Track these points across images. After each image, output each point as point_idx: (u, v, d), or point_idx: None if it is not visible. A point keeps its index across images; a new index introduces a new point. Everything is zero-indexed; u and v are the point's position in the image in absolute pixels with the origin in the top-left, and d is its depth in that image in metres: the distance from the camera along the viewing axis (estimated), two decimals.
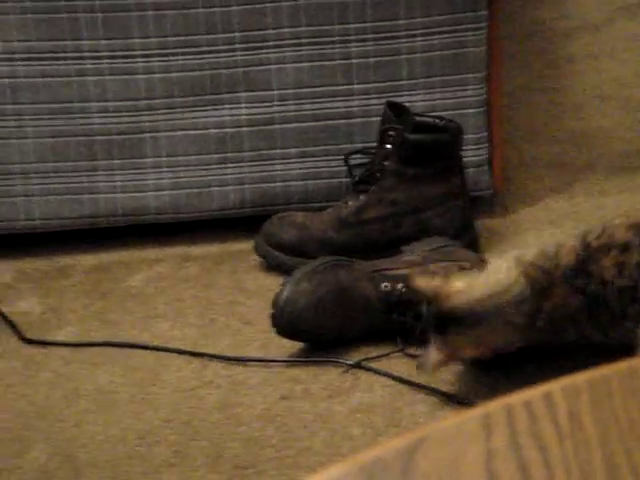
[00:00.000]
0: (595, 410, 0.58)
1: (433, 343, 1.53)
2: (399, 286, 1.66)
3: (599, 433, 0.57)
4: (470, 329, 1.52)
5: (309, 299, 1.65)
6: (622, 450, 0.57)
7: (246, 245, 1.90)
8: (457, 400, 1.57)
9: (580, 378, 0.58)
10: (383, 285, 1.66)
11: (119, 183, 1.91)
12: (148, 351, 1.71)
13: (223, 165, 1.91)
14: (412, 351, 1.64)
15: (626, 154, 2.08)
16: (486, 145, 1.91)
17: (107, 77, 1.87)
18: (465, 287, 1.51)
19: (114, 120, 1.88)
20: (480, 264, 1.73)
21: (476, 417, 0.57)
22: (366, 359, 1.64)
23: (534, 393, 0.58)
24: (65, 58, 1.85)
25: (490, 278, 1.52)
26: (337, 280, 1.66)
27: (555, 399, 0.58)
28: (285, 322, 1.65)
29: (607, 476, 0.56)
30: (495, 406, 0.58)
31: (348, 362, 1.64)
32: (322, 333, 1.66)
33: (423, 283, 1.54)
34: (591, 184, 2.00)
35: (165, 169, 1.91)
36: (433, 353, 1.53)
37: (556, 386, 0.58)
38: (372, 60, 1.86)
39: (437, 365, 1.54)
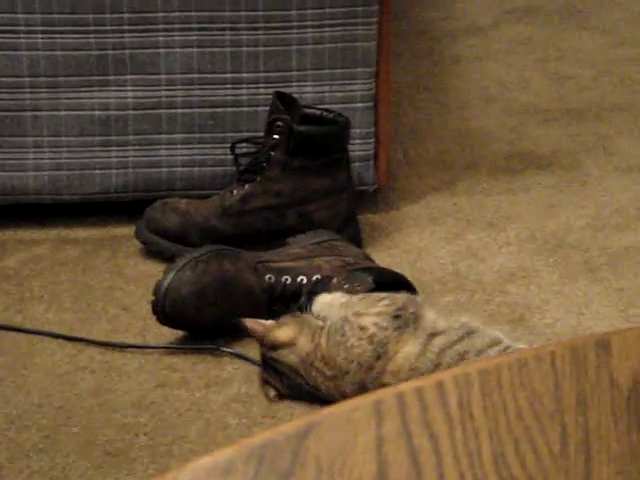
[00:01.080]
0: (485, 400, 0.58)
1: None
2: (283, 279, 1.65)
3: (488, 422, 0.58)
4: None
5: (192, 288, 1.63)
6: (510, 439, 0.57)
7: (127, 230, 1.87)
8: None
9: (472, 368, 0.59)
10: (267, 277, 1.65)
11: None
12: (21, 334, 1.67)
13: (107, 148, 1.87)
14: None
15: (507, 156, 2.11)
16: (372, 140, 1.92)
17: None
18: (289, 341, 1.52)
19: None
20: (363, 259, 1.73)
21: (367, 404, 0.57)
22: (226, 342, 1.63)
23: (426, 382, 0.58)
24: None
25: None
26: (221, 270, 1.65)
27: (446, 388, 0.58)
28: (167, 310, 1.63)
29: (494, 464, 0.57)
30: (387, 393, 0.58)
31: (227, 350, 1.63)
32: (204, 322, 1.65)
33: (251, 325, 1.55)
34: (472, 184, 2.03)
35: (46, 149, 1.87)
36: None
37: (448, 375, 0.58)
38: (262, 49, 1.85)
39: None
